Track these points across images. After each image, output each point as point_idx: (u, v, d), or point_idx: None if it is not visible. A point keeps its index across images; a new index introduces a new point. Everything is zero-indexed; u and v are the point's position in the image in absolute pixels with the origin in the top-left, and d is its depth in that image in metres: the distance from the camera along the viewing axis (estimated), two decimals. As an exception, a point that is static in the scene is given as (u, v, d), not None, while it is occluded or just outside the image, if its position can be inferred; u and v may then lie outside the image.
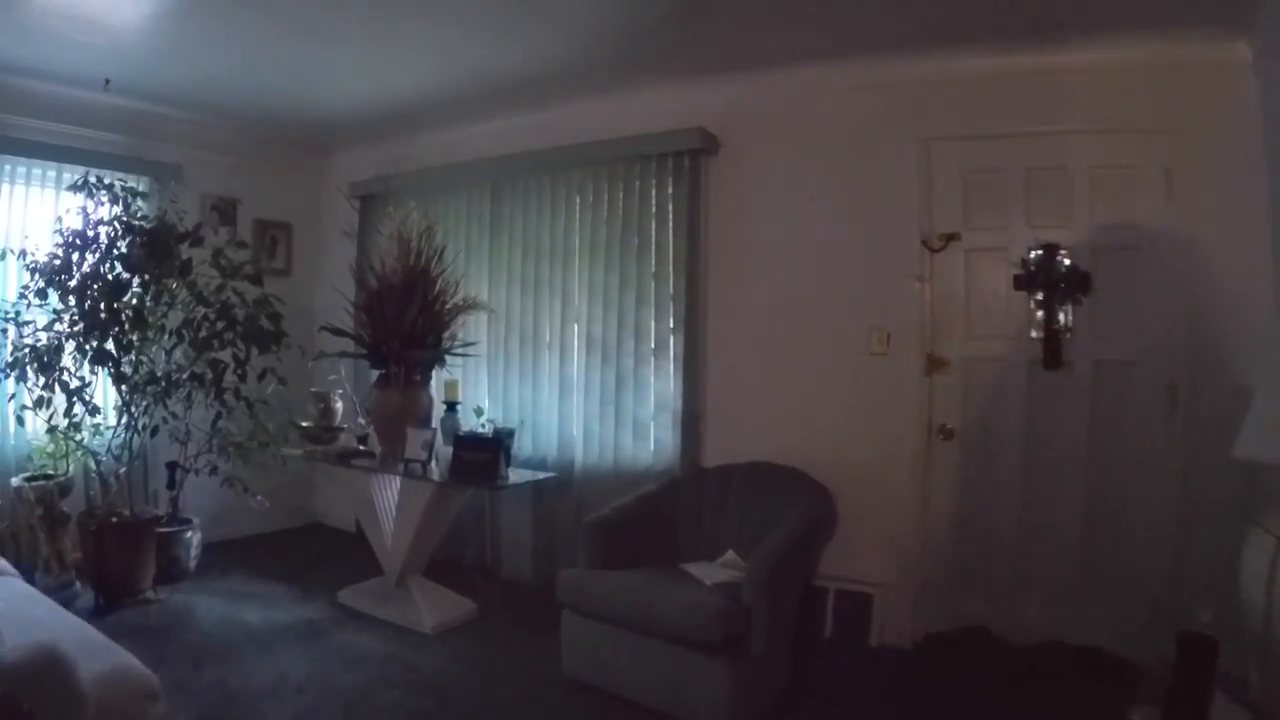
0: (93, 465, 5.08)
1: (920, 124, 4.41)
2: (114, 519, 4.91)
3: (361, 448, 5.17)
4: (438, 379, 5.29)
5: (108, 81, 5.15)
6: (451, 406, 5.15)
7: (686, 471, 4.75)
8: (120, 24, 4.40)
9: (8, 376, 4.76)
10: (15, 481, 4.97)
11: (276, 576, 5.56)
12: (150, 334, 4.95)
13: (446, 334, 5.14)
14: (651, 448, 5.01)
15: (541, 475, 5.04)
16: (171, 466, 5.46)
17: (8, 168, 5.26)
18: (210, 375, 4.98)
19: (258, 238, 6.58)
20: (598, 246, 5.25)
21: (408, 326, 4.89)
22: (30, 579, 4.73)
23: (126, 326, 4.79)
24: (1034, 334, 4.20)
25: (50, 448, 5.08)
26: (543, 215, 5.55)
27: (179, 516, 5.51)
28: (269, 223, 6.67)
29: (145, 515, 5.10)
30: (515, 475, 4.83)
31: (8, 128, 5.19)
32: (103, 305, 4.68)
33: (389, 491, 4.97)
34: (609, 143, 5.14)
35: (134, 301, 4.82)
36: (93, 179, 4.90)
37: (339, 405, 5.37)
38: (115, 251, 4.80)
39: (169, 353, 5.07)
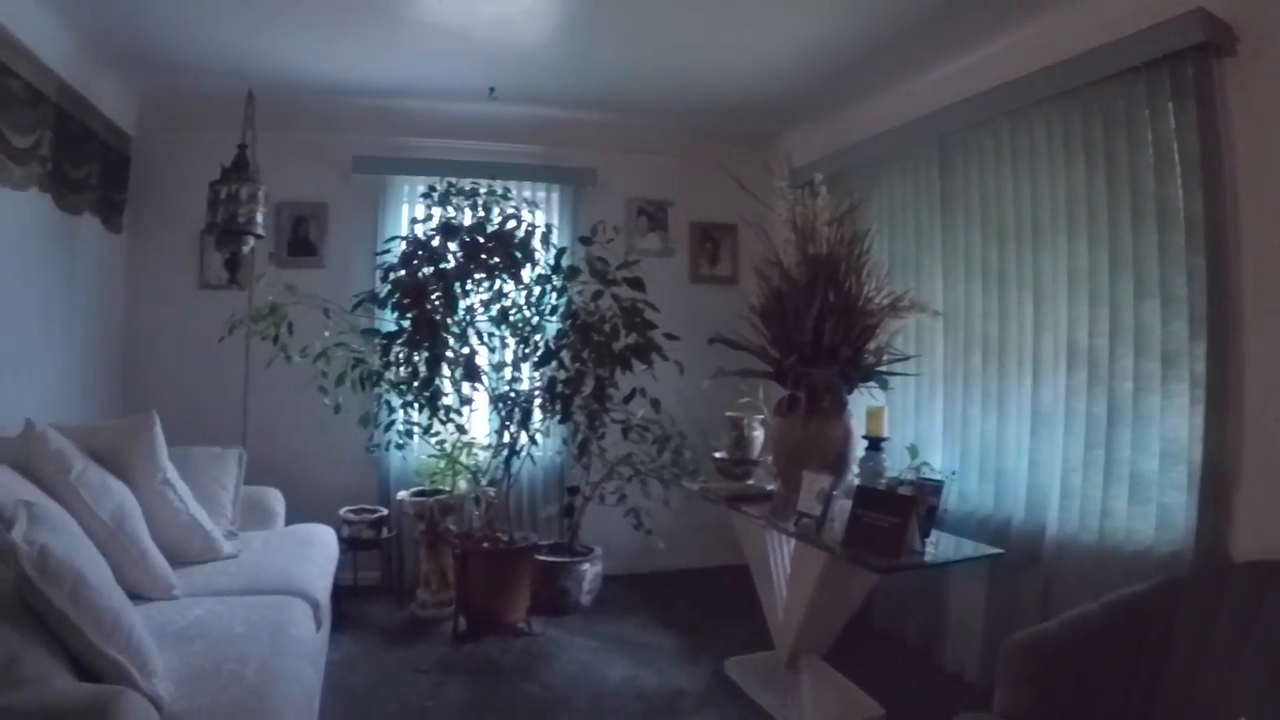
0: (481, 485, 5.06)
1: None
2: (485, 544, 4.84)
3: (774, 488, 4.39)
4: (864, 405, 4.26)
5: (492, 90, 5.12)
6: (875, 444, 4.08)
7: (1201, 567, 3.13)
8: (509, 32, 4.37)
9: (342, 385, 4.73)
10: (401, 495, 5.30)
11: (676, 625, 5.07)
12: (505, 343, 4.87)
13: (871, 345, 4.16)
14: (1154, 517, 3.42)
15: (982, 552, 3.70)
16: (572, 491, 5.34)
17: (406, 187, 5.61)
18: (560, 394, 4.66)
19: (695, 242, 6.23)
20: (1076, 214, 3.83)
21: (808, 335, 4.02)
22: (410, 593, 5.21)
23: (455, 337, 4.68)
24: None
25: (442, 464, 5.20)
26: (1002, 178, 4.24)
27: (576, 546, 5.37)
28: (707, 225, 6.28)
29: (522, 543, 4.94)
30: (952, 545, 3.72)
31: (404, 149, 5.53)
32: (414, 313, 4.52)
33: (785, 549, 4.13)
34: (1070, 63, 3.71)
35: (455, 309, 4.64)
36: (440, 186, 4.83)
37: (758, 435, 4.64)
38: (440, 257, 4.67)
39: (535, 366, 4.84)
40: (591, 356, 4.63)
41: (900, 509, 3.42)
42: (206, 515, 4.01)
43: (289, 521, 4.75)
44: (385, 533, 5.27)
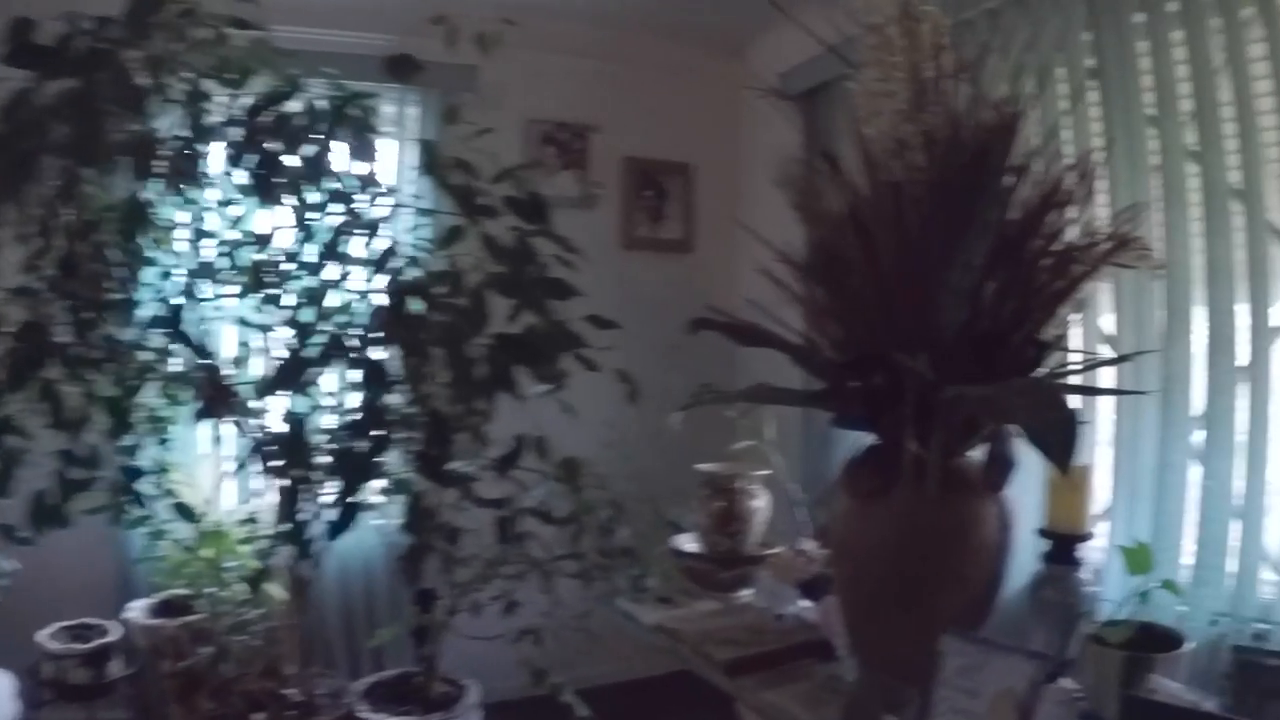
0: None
1: None
2: (261, 708, 2.96)
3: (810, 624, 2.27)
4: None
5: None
6: (1066, 548, 1.98)
7: None
8: None
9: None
10: (132, 610, 3.42)
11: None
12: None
13: (1050, 326, 1.89)
14: None
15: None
16: (423, 598, 3.28)
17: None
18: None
19: (629, 187, 4.56)
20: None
21: (962, 311, 1.78)
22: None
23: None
24: None
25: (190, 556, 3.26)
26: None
27: (432, 687, 3.34)
28: (650, 163, 4.62)
29: (325, 706, 3.10)
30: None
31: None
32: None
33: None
34: None
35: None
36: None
37: (759, 506, 2.73)
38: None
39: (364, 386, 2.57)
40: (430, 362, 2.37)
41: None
42: None
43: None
44: (114, 670, 3.35)
